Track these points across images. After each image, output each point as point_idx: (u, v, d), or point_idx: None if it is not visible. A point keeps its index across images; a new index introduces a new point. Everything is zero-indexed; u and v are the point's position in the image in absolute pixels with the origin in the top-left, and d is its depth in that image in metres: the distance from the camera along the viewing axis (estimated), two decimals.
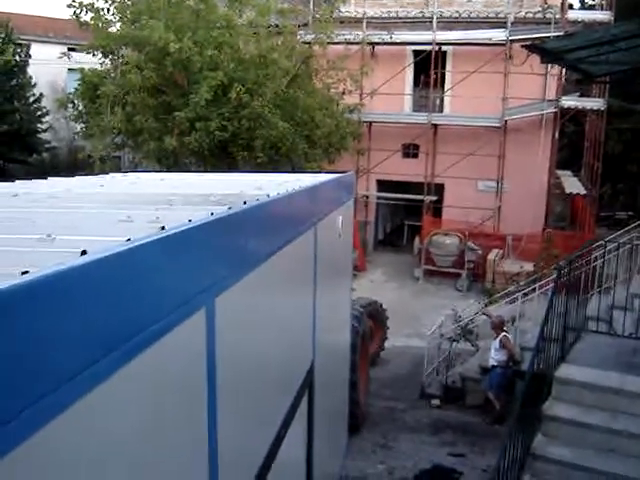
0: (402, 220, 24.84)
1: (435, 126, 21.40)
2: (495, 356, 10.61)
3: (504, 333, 10.69)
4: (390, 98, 21.04)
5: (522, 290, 13.57)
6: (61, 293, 1.50)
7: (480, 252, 19.24)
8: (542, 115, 20.25)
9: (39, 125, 28.18)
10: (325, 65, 17.97)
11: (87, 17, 16.01)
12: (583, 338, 8.39)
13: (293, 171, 12.72)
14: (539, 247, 18.00)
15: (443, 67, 21.28)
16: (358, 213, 18.56)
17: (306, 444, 4.99)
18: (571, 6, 21.97)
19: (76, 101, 18.25)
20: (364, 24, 20.86)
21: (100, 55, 17.09)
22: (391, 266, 21.11)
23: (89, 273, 1.62)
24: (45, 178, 5.21)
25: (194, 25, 15.76)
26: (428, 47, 20.65)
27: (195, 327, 2.30)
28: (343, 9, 19.06)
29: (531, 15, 20.21)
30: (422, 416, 10.92)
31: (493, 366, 10.64)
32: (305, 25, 18.94)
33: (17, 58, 26.72)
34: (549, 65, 18.19)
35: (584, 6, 28.23)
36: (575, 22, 19.55)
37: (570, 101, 20.71)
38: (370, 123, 21.75)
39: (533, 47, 11.15)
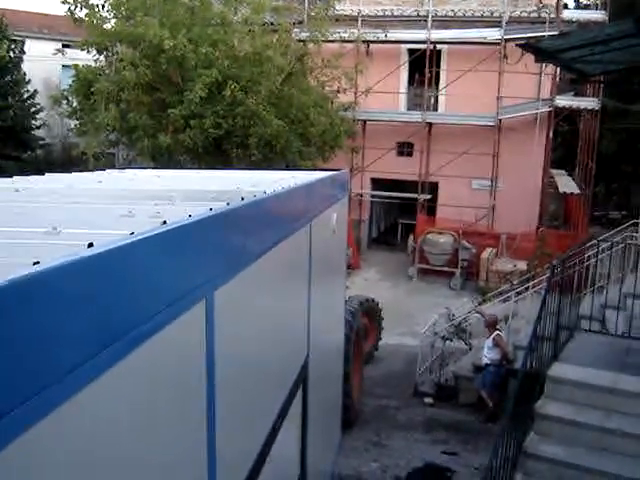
0: (396, 219, 24.87)
1: (429, 125, 21.42)
2: (488, 355, 10.63)
3: (497, 332, 10.72)
4: (385, 96, 21.03)
5: (515, 289, 13.60)
6: (72, 283, 1.55)
7: (474, 251, 19.28)
8: (536, 114, 20.29)
9: (33, 122, 28.08)
10: (320, 63, 17.94)
11: (82, 13, 15.92)
12: (576, 337, 8.42)
13: (287, 169, 12.71)
14: (533, 246, 18.04)
15: (438, 66, 21.31)
16: (352, 211, 18.53)
17: (300, 438, 5.02)
18: (566, 5, 22.04)
19: (70, 98, 18.17)
20: (359, 22, 20.87)
21: (94, 52, 17.01)
22: (385, 264, 21.12)
23: (97, 264, 1.67)
24: (41, 174, 5.21)
25: (189, 22, 15.71)
26: (423, 46, 20.69)
27: (195, 319, 2.36)
28: (338, 7, 19.03)
29: (526, 14, 20.24)
30: (415, 414, 10.94)
31: (486, 364, 10.66)
32: (300, 23, 18.92)
33: (11, 54, 26.55)
34: (544, 64, 18.21)
35: (579, 6, 28.31)
36: (570, 21, 19.62)
37: (564, 100, 20.79)
38: (364, 121, 21.77)
39: (528, 46, 11.15)
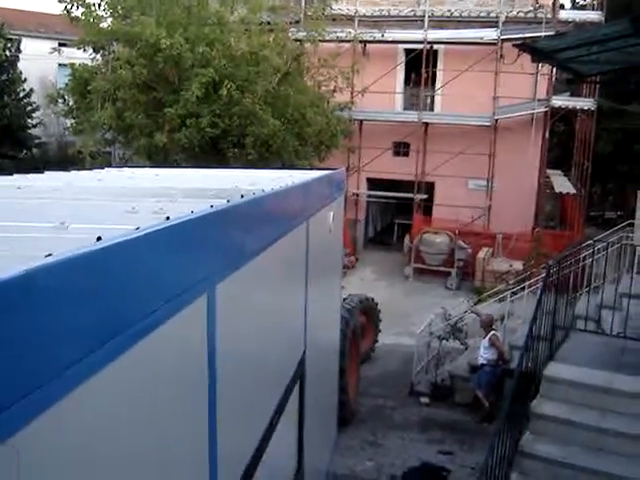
0: (392, 218, 24.88)
1: (426, 124, 21.43)
2: (484, 354, 10.64)
3: (493, 331, 10.73)
4: (381, 96, 21.01)
5: (511, 289, 13.62)
6: (81, 276, 1.58)
7: (470, 251, 19.30)
8: (532, 114, 20.31)
9: (29, 120, 28.04)
10: (316, 63, 17.96)
11: (78, 12, 15.88)
12: (571, 337, 8.44)
13: (284, 168, 12.72)
14: (529, 246, 18.08)
15: (434, 66, 21.31)
16: (348, 211, 18.55)
17: (297, 434, 5.06)
18: (562, 6, 22.03)
19: (66, 96, 18.16)
20: (356, 22, 20.87)
21: (91, 50, 17.00)
22: (381, 264, 21.12)
23: (106, 258, 1.70)
24: (39, 173, 5.22)
25: (186, 21, 15.71)
26: (419, 46, 20.69)
27: (197, 312, 2.40)
28: (335, 7, 19.01)
29: (522, 15, 20.26)
30: (411, 414, 10.95)
31: (482, 364, 10.67)
32: (297, 22, 18.94)
33: (7, 53, 26.50)
34: (540, 64, 18.25)
35: (575, 6, 28.33)
36: (566, 22, 19.64)
37: (560, 101, 20.83)
38: (361, 121, 21.76)
39: (524, 46, 11.17)
